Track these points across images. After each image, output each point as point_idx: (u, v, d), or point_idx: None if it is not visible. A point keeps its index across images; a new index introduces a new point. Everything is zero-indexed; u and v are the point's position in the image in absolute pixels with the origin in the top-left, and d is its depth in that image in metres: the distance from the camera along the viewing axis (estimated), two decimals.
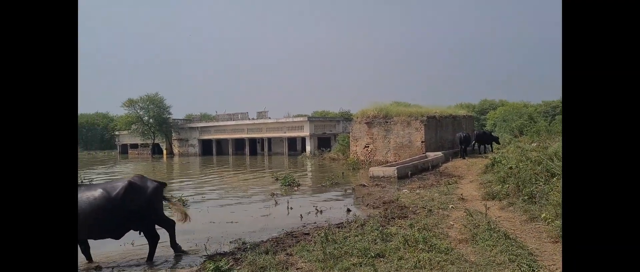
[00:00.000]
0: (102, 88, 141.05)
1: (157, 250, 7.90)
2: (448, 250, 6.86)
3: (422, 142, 25.73)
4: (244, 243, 8.36)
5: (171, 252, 8.20)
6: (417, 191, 14.30)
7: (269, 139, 50.63)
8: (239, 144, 54.30)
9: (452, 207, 10.82)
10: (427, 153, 24.85)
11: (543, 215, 8.24)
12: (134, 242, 9.06)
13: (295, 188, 17.47)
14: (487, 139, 26.76)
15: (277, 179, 20.50)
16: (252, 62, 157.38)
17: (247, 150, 51.71)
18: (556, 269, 5.83)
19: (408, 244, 7.22)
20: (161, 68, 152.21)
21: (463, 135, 25.54)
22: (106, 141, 77.56)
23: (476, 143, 26.70)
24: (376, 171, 19.68)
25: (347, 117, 48.76)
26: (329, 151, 39.61)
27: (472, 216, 9.05)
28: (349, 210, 11.87)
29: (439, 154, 23.87)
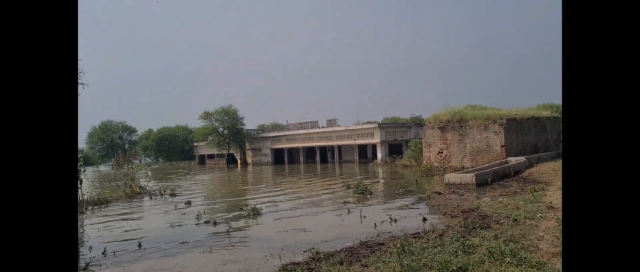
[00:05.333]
0: (182, 101, 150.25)
1: (234, 257, 7.97)
2: (540, 264, 6.18)
3: (501, 146, 24.20)
4: (317, 253, 8.20)
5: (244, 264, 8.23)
6: (500, 198, 13.35)
7: (340, 147, 50.64)
8: (309, 152, 54.92)
9: (540, 216, 9.90)
10: (508, 158, 23.32)
11: None
12: (211, 249, 9.31)
13: (368, 196, 17.13)
14: None
15: (348, 187, 20.27)
16: (320, 69, 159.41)
17: (318, 158, 52.12)
18: None
19: (493, 257, 6.64)
20: (234, 79, 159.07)
21: None
22: (186, 151, 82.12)
23: None
24: (452, 177, 18.76)
25: (418, 123, 47.51)
26: (401, 157, 38.72)
27: None
28: (425, 219, 11.32)
29: (522, 158, 22.28)
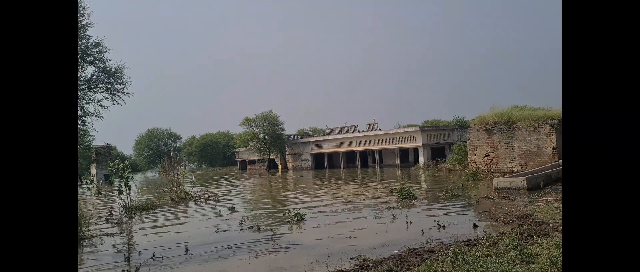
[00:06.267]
0: (223, 108, 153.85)
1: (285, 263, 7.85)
2: None
3: (553, 148, 23.04)
4: (365, 260, 7.96)
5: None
6: (555, 204, 12.61)
7: (380, 151, 50.03)
8: (350, 156, 54.59)
9: None
10: (561, 160, 22.15)
11: None
12: (257, 255, 9.26)
13: (412, 201, 16.67)
14: None
15: (392, 192, 19.86)
16: (359, 73, 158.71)
17: (358, 162, 51.70)
18: None
19: (557, 267, 6.18)
20: (273, 85, 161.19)
21: None
22: (228, 157, 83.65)
23: None
24: (501, 181, 17.99)
25: (461, 125, 46.15)
26: (444, 161, 37.73)
27: None
28: (475, 225, 10.82)
29: None
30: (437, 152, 43.06)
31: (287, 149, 60.40)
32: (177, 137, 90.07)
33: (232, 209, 17.94)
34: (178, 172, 26.88)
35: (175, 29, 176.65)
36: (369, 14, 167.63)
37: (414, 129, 44.69)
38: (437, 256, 7.77)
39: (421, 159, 42.60)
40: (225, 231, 12.84)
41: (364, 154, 52.79)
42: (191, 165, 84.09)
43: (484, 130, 26.41)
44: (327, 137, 55.17)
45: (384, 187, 23.27)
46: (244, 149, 65.71)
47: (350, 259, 8.36)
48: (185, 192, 23.37)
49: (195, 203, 21.07)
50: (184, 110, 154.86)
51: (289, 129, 63.43)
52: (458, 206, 15.04)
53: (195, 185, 27.72)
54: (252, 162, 67.04)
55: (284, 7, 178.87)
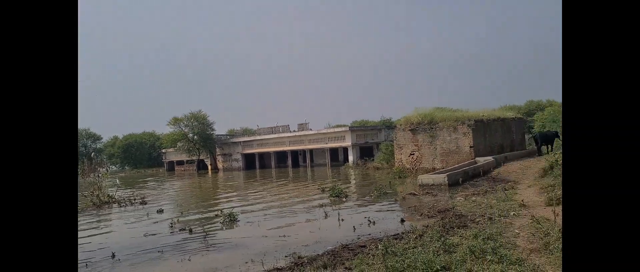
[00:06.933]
0: (148, 107, 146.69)
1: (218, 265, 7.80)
2: (520, 261, 6.36)
3: (470, 147, 24.82)
4: (300, 257, 8.16)
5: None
6: (473, 198, 13.67)
7: (311, 151, 50.66)
8: (281, 156, 54.68)
9: (513, 214, 10.20)
10: (477, 158, 23.92)
11: None
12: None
13: (343, 199, 17.18)
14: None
15: (323, 191, 20.28)
16: (290, 73, 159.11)
17: (289, 162, 51.97)
18: None
19: (475, 255, 6.78)
20: (203, 85, 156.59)
21: (541, 134, 25.68)
22: (154, 158, 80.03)
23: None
24: (425, 178, 19.08)
25: (388, 125, 48.10)
26: (372, 160, 39.07)
27: (540, 224, 8.45)
28: (402, 220, 11.45)
29: (490, 158, 22.91)
30: (366, 152, 44.50)
31: (217, 150, 59.13)
32: (97, 138, 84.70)
33: (160, 211, 17.34)
34: (99, 175, 25.39)
35: (97, 21, 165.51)
36: (304, 14, 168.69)
37: (343, 129, 45.81)
38: (369, 250, 8.17)
39: (350, 158, 43.77)
40: (154, 234, 12.42)
41: (295, 153, 53.14)
42: (113, 167, 79.35)
43: (409, 130, 27.78)
44: (258, 137, 54.82)
45: (315, 186, 23.68)
46: (171, 149, 63.29)
47: (285, 256, 8.52)
48: (108, 195, 22.16)
49: (120, 206, 20.06)
50: (104, 110, 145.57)
51: (219, 129, 62.22)
52: (386, 202, 15.75)
53: (119, 187, 26.36)
54: (180, 163, 64.75)
55: (209, 2, 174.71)
